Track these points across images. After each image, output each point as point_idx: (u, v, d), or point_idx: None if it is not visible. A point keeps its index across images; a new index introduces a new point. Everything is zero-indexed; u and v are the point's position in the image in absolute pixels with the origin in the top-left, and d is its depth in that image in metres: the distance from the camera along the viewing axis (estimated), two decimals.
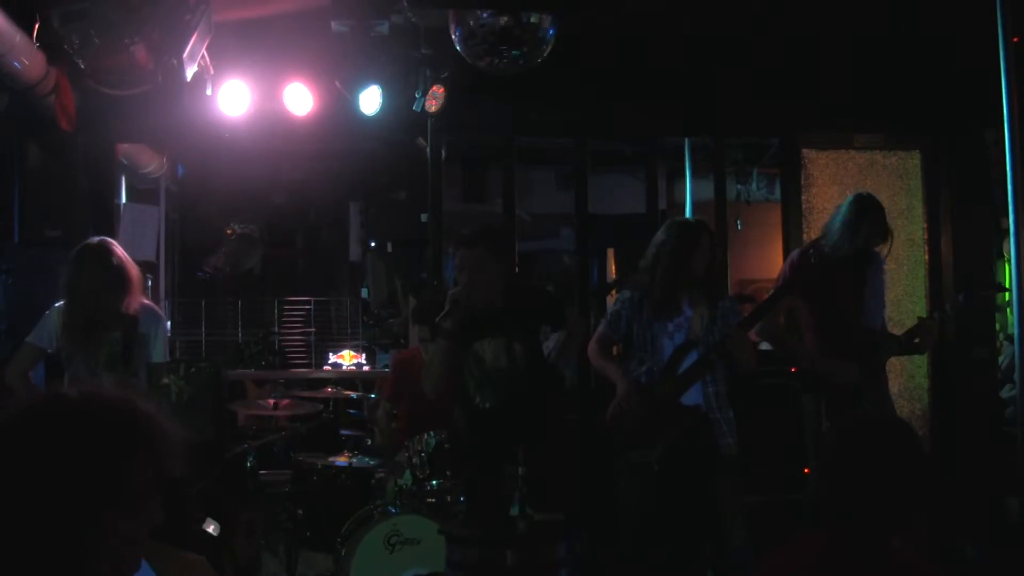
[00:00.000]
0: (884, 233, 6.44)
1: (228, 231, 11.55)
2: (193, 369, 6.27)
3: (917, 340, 6.38)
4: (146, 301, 6.18)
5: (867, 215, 6.37)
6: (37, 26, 6.39)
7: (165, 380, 6.28)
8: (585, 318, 8.09)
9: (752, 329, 6.21)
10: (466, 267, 5.79)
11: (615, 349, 6.43)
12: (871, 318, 6.46)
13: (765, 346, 7.09)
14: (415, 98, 7.75)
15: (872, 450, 2.92)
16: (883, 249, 6.51)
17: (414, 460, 6.25)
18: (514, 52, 6.65)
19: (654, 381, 5.93)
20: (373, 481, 6.91)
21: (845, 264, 6.41)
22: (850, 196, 6.52)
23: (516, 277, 7.70)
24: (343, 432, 8.77)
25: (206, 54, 6.97)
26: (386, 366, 9.06)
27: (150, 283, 9.02)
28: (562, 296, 7.28)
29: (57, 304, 6.01)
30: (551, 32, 6.77)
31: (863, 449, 2.93)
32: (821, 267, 6.38)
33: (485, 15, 6.79)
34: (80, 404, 2.19)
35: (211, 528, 6.04)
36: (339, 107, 7.82)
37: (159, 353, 6.17)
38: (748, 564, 5.77)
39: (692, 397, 5.93)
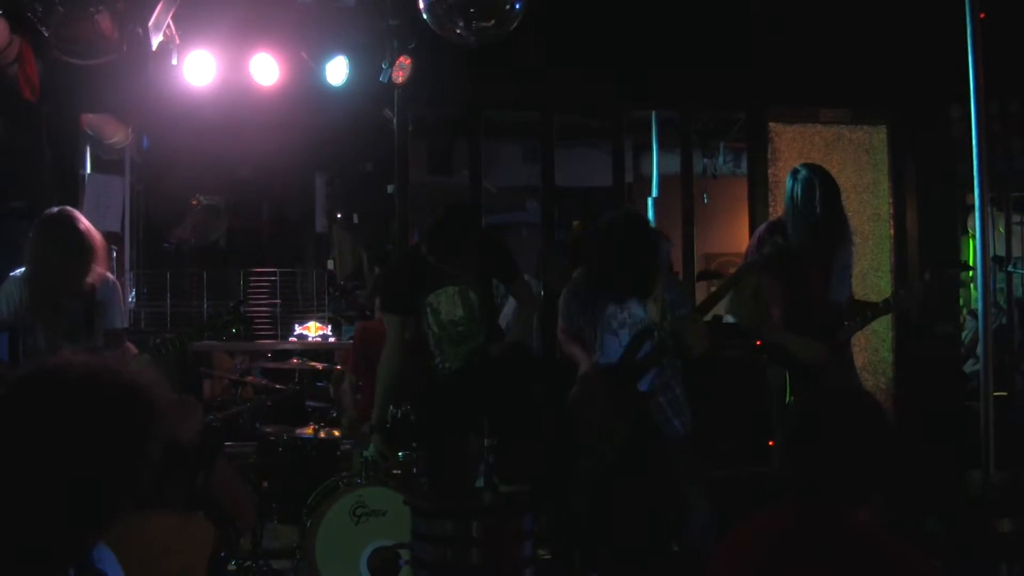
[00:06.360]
0: (833, 210, 6.20)
1: (193, 202, 11.49)
2: (159, 341, 6.22)
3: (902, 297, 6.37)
4: (100, 270, 6.12)
5: (812, 197, 6.13)
6: None
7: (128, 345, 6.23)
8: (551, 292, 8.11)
9: (714, 307, 6.22)
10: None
11: None
12: (838, 293, 6.41)
13: (730, 318, 7.10)
14: (382, 69, 7.73)
15: (837, 424, 2.91)
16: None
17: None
18: (482, 24, 6.61)
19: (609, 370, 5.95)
20: (339, 453, 6.91)
21: (812, 238, 6.32)
22: (789, 175, 6.29)
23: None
24: (309, 404, 8.76)
25: (171, 23, 6.91)
26: (351, 338, 9.05)
27: (115, 255, 8.97)
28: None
29: (14, 273, 5.93)
30: (519, 4, 6.75)
31: (828, 423, 2.93)
32: (788, 243, 6.31)
33: None
34: (84, 378, 2.16)
35: None
36: (305, 78, 7.79)
37: (117, 320, 6.13)
38: (711, 539, 5.79)
39: (642, 383, 5.96)
